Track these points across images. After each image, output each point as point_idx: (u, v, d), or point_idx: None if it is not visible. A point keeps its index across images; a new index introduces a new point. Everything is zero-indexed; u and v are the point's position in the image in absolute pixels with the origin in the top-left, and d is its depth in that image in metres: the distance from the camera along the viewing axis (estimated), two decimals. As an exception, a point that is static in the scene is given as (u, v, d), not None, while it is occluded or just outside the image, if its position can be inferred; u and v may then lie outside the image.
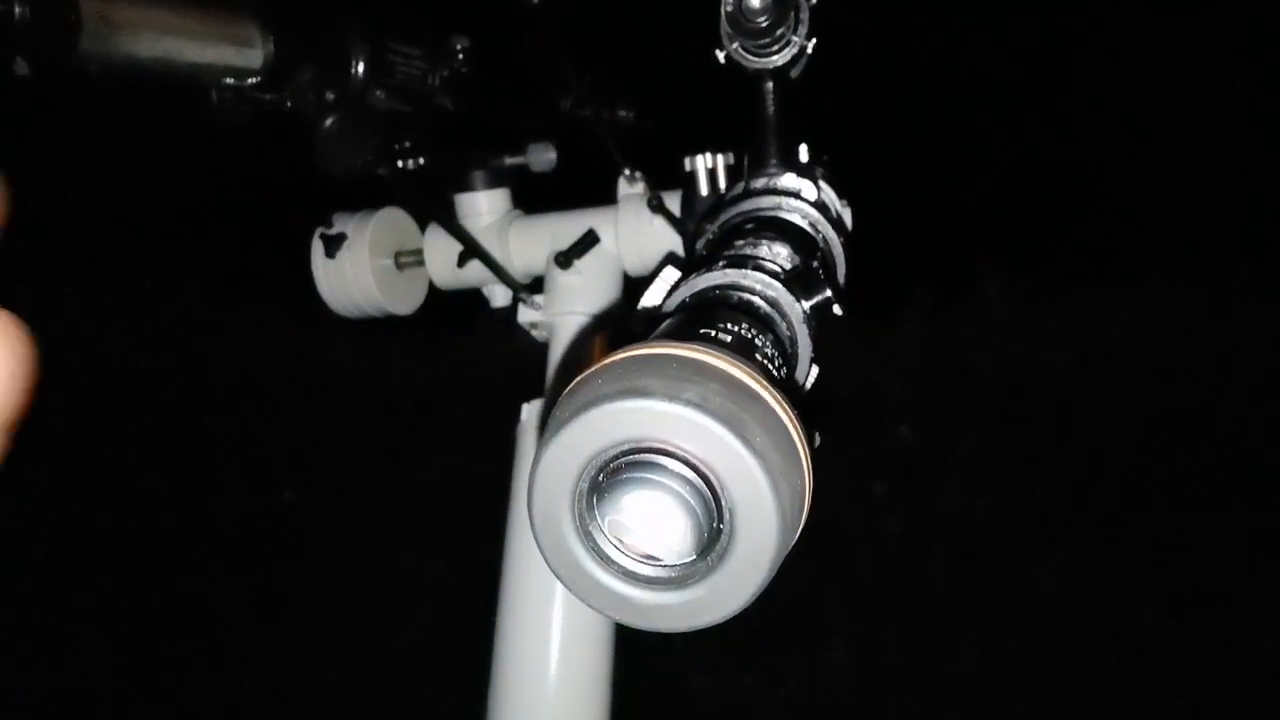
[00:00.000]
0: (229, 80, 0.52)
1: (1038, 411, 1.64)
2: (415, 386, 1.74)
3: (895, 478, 1.62)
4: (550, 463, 0.18)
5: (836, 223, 0.45)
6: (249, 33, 0.51)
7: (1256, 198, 1.69)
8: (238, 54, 0.50)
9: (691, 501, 0.17)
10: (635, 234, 0.76)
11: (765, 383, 0.18)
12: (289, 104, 0.54)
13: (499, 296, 0.84)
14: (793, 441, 0.18)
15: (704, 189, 0.71)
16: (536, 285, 0.80)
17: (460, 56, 0.69)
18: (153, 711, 1.62)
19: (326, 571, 1.68)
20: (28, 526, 1.74)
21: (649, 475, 0.18)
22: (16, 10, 0.39)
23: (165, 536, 1.73)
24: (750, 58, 0.41)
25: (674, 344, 0.18)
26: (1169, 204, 1.70)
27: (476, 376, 1.59)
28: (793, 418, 0.18)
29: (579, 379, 0.19)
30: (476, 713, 0.67)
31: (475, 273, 0.81)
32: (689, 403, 0.17)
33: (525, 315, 0.78)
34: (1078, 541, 1.56)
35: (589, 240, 0.75)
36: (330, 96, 0.56)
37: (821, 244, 0.40)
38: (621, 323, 0.75)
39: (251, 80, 0.52)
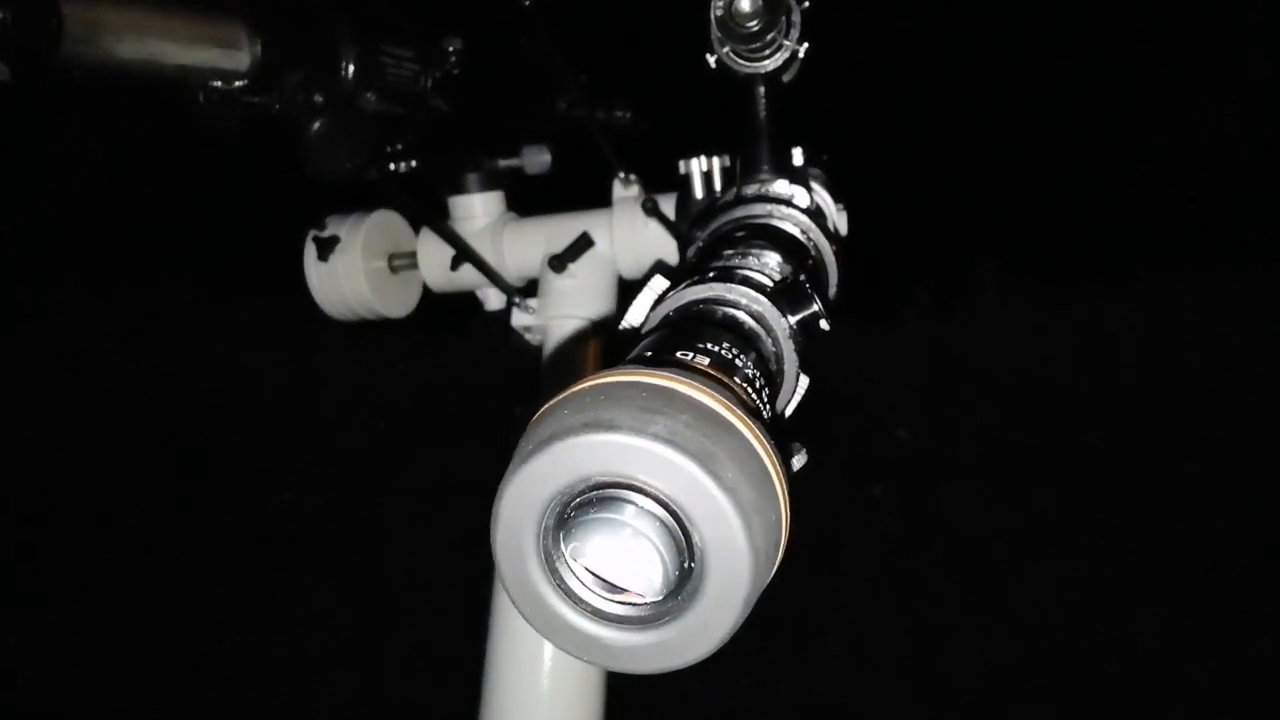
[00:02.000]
0: (216, 83, 0.51)
1: (1036, 412, 1.63)
2: (410, 389, 1.74)
3: (893, 479, 1.62)
4: (513, 497, 0.17)
5: (830, 229, 0.45)
6: (236, 34, 0.50)
7: (1255, 199, 1.68)
8: (224, 56, 0.50)
9: (659, 540, 0.17)
10: (630, 237, 0.76)
11: (740, 412, 0.17)
12: (278, 106, 0.54)
13: (493, 300, 0.83)
14: (768, 475, 0.17)
15: (699, 192, 0.70)
16: (531, 288, 0.79)
17: (453, 58, 0.69)
18: (152, 712, 1.62)
19: (324, 572, 1.68)
20: (26, 526, 1.74)
21: (615, 513, 0.17)
22: (-4, 14, 0.38)
23: (163, 537, 1.73)
24: (741, 62, 0.40)
25: (645, 371, 0.18)
26: (1168, 205, 1.70)
27: (470, 379, 1.59)
28: (769, 449, 0.17)
29: (545, 408, 0.18)
30: (474, 713, 0.67)
31: (469, 276, 0.80)
32: (656, 437, 0.16)
33: (519, 319, 0.78)
34: (1076, 542, 1.55)
35: (583, 243, 0.74)
36: (319, 99, 0.55)
37: (813, 252, 0.40)
38: (611, 334, 0.75)
39: (239, 83, 0.51)
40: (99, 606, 1.68)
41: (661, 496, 0.17)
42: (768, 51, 0.40)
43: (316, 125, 0.54)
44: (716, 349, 0.22)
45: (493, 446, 0.76)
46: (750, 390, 0.22)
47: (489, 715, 0.62)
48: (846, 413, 1.62)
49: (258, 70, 0.51)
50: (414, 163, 0.71)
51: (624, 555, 0.17)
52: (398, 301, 0.85)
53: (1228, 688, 1.42)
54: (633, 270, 0.77)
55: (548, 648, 0.61)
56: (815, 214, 0.44)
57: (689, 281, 0.28)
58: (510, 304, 0.78)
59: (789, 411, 0.29)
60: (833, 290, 0.42)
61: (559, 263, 0.74)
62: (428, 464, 1.69)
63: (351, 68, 0.58)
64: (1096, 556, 1.53)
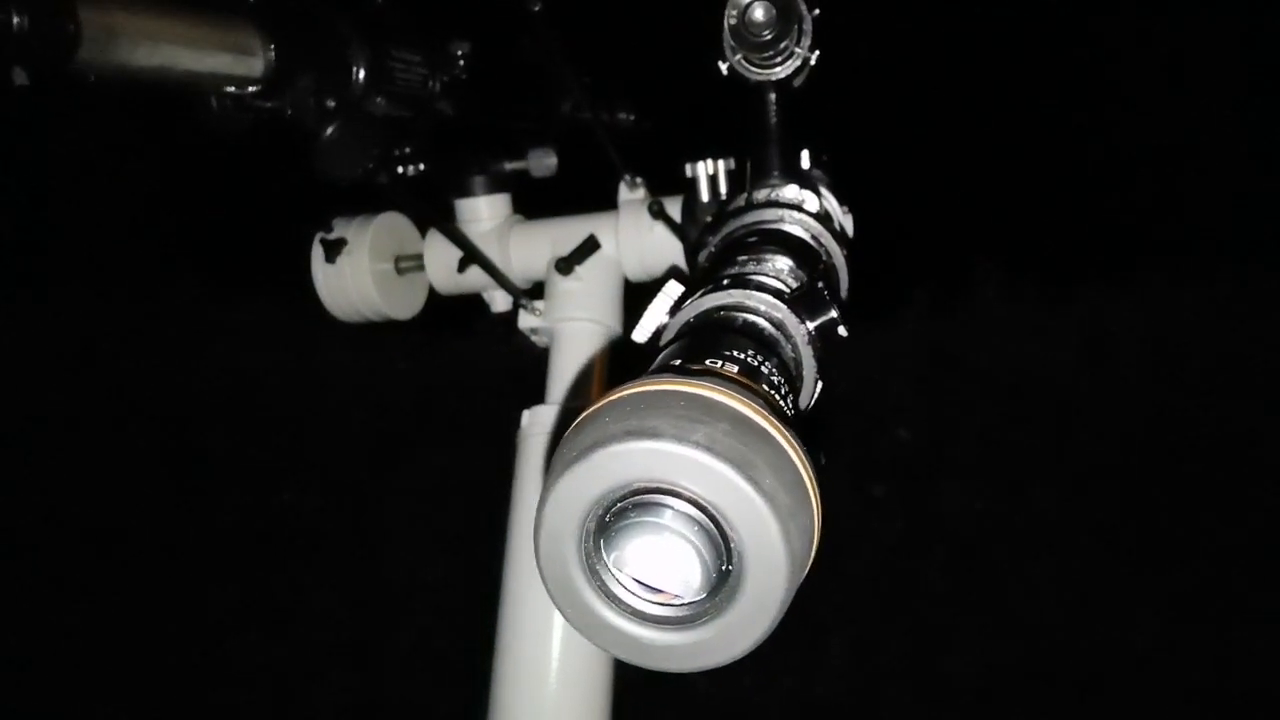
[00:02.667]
0: (229, 88, 0.51)
1: (1036, 412, 1.64)
2: (415, 391, 1.74)
3: (894, 479, 1.62)
4: (557, 502, 0.18)
5: (839, 234, 0.45)
6: (249, 40, 0.50)
7: (1255, 199, 1.69)
8: (237, 62, 0.50)
9: (699, 543, 0.17)
10: (636, 239, 0.76)
11: (774, 420, 0.18)
12: (289, 111, 0.54)
13: (499, 302, 0.83)
14: (802, 481, 0.18)
15: (705, 194, 0.71)
16: (537, 291, 0.79)
17: (460, 62, 0.69)
18: (151, 711, 1.62)
19: (326, 573, 1.68)
20: (25, 526, 1.74)
21: (656, 517, 0.17)
22: (14, 19, 0.39)
23: (165, 537, 1.73)
24: (753, 70, 0.41)
25: (681, 380, 0.18)
26: (1168, 205, 1.71)
27: (476, 381, 1.59)
28: (802, 456, 0.18)
29: (585, 415, 0.18)
30: (476, 713, 0.67)
31: (475, 278, 0.80)
32: (698, 445, 0.17)
33: (526, 321, 0.78)
34: (1075, 542, 1.56)
35: (589, 246, 0.75)
36: (331, 104, 0.56)
37: (824, 257, 0.40)
38: (621, 337, 0.75)
39: (252, 88, 0.52)
40: (98, 606, 1.68)
41: (702, 502, 0.17)
42: (780, 59, 0.40)
43: (329, 130, 0.54)
44: (742, 356, 0.23)
45: (495, 448, 0.76)
46: (777, 396, 0.22)
47: (498, 705, 0.63)
48: (848, 413, 1.63)
49: (270, 76, 0.51)
50: (421, 166, 0.71)
51: (664, 558, 0.18)
52: (404, 303, 0.86)
53: (1226, 687, 1.43)
54: (639, 273, 0.78)
55: (555, 637, 0.62)
56: (824, 218, 0.44)
57: (706, 288, 0.29)
58: (516, 306, 0.78)
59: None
60: (843, 293, 0.42)
61: (565, 265, 0.74)
62: (429, 464, 1.69)
63: (362, 72, 0.59)
64: (1096, 556, 1.54)
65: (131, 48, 0.44)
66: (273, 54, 0.51)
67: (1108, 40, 1.74)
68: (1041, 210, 1.72)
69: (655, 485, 0.17)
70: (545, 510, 0.18)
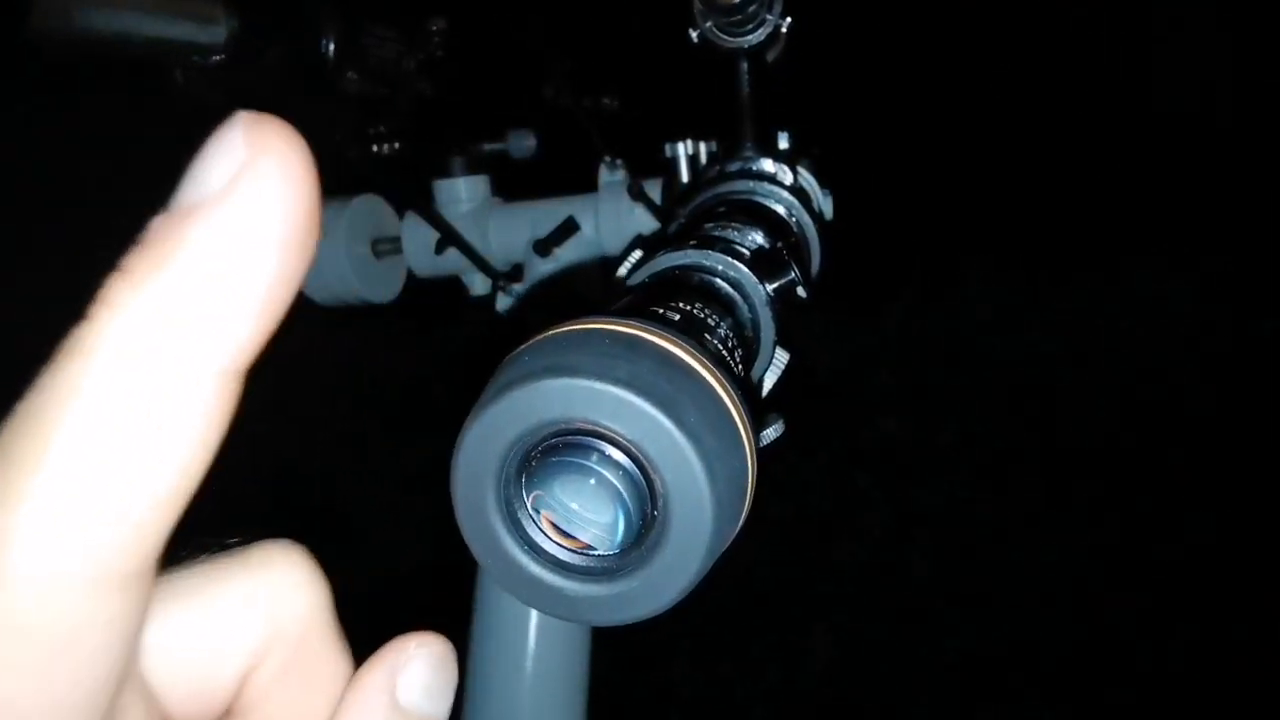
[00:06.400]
0: (192, 59, 0.50)
1: (1021, 403, 1.64)
2: (394, 375, 1.73)
3: (879, 468, 1.63)
4: (472, 445, 0.17)
5: (814, 209, 0.44)
6: (212, 9, 0.49)
7: (1240, 190, 1.69)
8: (200, 31, 0.49)
9: (621, 486, 0.17)
10: (616, 221, 0.75)
11: (705, 361, 0.17)
12: (256, 84, 0.53)
13: (478, 285, 0.83)
14: (733, 424, 0.17)
15: (685, 176, 0.70)
16: (516, 273, 0.79)
17: (436, 39, 0.68)
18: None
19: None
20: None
21: (576, 458, 0.17)
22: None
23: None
24: (724, 37, 0.40)
25: (610, 320, 0.17)
26: (1154, 196, 1.71)
27: (454, 365, 1.58)
28: (735, 399, 0.17)
29: (508, 357, 0.18)
30: (454, 706, 0.67)
31: (454, 261, 0.79)
32: (618, 380, 0.16)
33: (505, 304, 0.77)
34: (1060, 532, 1.56)
35: (569, 228, 0.74)
36: (299, 77, 0.54)
37: (795, 229, 0.39)
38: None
39: (215, 59, 0.50)
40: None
41: (623, 442, 0.16)
42: (750, 26, 0.40)
43: (296, 103, 0.53)
44: (689, 308, 0.22)
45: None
46: (723, 350, 0.21)
47: (473, 697, 0.62)
48: (833, 403, 1.63)
49: (235, 46, 0.50)
50: (397, 145, 0.70)
51: (586, 503, 0.17)
52: (382, 286, 0.85)
53: (1211, 678, 1.43)
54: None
55: (531, 628, 0.61)
56: (799, 192, 0.43)
57: (666, 250, 0.28)
58: (495, 289, 0.77)
59: (768, 384, 0.29)
60: (815, 269, 0.42)
61: (544, 247, 0.73)
62: (409, 452, 1.68)
63: (332, 46, 0.57)
64: (1081, 546, 1.54)
65: (87, 15, 0.43)
66: (236, 23, 0.49)
67: (1098, 30, 1.74)
68: (1029, 202, 1.72)
69: (575, 426, 0.16)
70: (461, 455, 0.17)
